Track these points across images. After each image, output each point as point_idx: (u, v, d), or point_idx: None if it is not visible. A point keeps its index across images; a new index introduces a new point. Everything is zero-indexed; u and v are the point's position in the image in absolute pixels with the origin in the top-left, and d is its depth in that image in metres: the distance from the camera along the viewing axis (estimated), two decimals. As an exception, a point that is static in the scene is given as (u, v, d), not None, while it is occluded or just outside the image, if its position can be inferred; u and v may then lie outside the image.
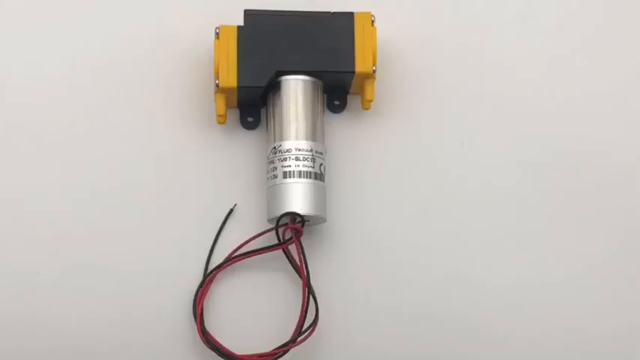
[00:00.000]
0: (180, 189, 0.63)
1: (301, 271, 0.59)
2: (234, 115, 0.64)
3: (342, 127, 0.64)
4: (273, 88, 0.62)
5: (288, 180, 0.60)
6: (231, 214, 0.63)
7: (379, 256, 0.63)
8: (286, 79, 0.61)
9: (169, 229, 0.62)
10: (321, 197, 0.60)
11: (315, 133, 0.61)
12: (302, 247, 0.59)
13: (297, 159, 0.60)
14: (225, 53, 0.60)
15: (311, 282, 0.58)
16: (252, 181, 0.63)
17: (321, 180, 0.61)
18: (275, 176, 0.61)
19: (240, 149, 0.64)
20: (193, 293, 0.60)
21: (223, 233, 0.62)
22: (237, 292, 0.61)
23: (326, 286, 0.61)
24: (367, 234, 0.63)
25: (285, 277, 0.61)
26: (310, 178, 0.60)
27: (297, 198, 0.59)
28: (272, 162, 0.61)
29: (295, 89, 0.61)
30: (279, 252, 0.60)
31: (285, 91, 0.61)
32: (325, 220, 0.61)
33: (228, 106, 0.62)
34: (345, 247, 0.62)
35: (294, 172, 0.60)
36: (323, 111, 0.63)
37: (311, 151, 0.61)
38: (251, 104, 0.63)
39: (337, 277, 0.62)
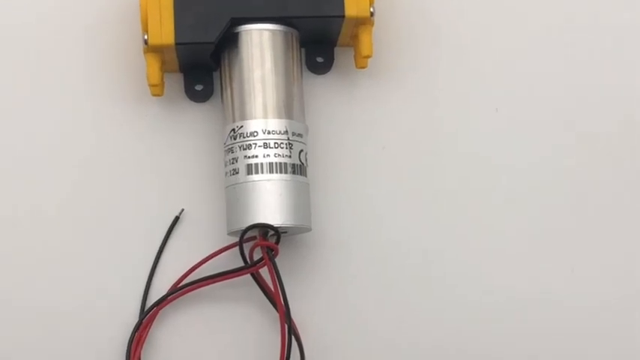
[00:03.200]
0: (104, 191, 0.50)
1: (278, 301, 0.46)
2: (176, 81, 0.51)
3: (329, 95, 0.51)
4: (228, 43, 0.48)
5: (254, 177, 0.46)
6: (177, 224, 0.49)
7: (384, 276, 0.50)
8: (246, 30, 0.48)
9: (91, 248, 0.49)
10: (302, 199, 0.47)
11: (292, 106, 0.48)
12: (277, 271, 0.46)
13: (266, 146, 0.46)
14: (155, -5, 0.47)
15: (292, 316, 0.46)
16: (205, 176, 0.50)
17: (301, 174, 0.47)
18: (236, 171, 0.47)
19: (186, 130, 0.51)
20: (127, 339, 0.47)
21: (167, 252, 0.49)
22: (188, 334, 0.49)
23: (313, 320, 0.49)
24: (367, 245, 0.50)
25: (255, 310, 0.49)
26: (286, 172, 0.47)
27: (269, 203, 0.46)
28: (231, 150, 0.47)
29: (260, 44, 0.48)
30: (247, 277, 0.47)
31: (245, 47, 0.48)
32: (310, 230, 0.48)
33: (166, 70, 0.49)
34: (338, 263, 0.50)
35: (262, 164, 0.46)
36: (301, 73, 0.50)
37: (286, 133, 0.47)
38: (199, 67, 0.50)
39: (328, 307, 0.49)
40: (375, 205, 0.50)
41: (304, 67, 0.51)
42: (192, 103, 0.50)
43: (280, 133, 0.46)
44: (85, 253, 0.48)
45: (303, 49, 0.50)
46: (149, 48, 0.46)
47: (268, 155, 0.46)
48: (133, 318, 0.47)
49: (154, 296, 0.48)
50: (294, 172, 0.46)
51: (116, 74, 0.50)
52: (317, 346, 0.48)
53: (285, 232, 0.47)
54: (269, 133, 0.46)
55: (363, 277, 0.49)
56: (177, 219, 0.49)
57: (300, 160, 0.47)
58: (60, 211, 0.49)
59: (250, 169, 0.46)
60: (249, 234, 0.46)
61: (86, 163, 0.49)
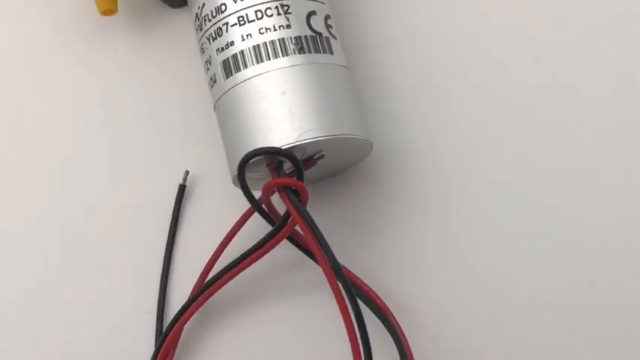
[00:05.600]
0: (73, 169, 0.34)
1: (329, 278, 0.28)
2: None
3: None
4: None
5: (236, 77, 0.28)
6: (185, 195, 0.32)
7: (502, 218, 0.31)
8: None
9: (74, 250, 0.33)
10: (336, 92, 0.28)
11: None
12: (315, 226, 0.28)
13: (242, 20, 0.28)
14: None
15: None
16: (209, 116, 0.31)
17: (324, 50, 0.28)
18: (213, 80, 0.29)
19: (169, 53, 0.34)
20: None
21: (180, 237, 0.32)
22: (233, 352, 0.31)
23: (410, 293, 0.31)
24: (473, 170, 0.31)
25: (311, 295, 0.31)
26: (286, 53, 0.28)
27: (267, 113, 0.27)
28: (202, 49, 0.30)
29: None
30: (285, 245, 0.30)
31: None
32: (371, 149, 0.30)
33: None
34: (430, 199, 0.31)
35: (243, 53, 0.28)
36: None
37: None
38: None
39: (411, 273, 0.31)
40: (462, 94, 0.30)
41: None
42: (169, 9, 0.33)
43: (263, -12, 0.28)
44: (64, 256, 0.32)
45: None
46: None
47: (249, 35, 0.27)
48: (147, 348, 0.30)
49: (174, 307, 0.31)
50: (302, 50, 0.27)
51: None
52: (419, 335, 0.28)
53: (322, 157, 0.27)
54: (242, -1, 0.28)
55: (471, 219, 0.30)
56: (183, 188, 0.32)
57: (313, 29, 0.27)
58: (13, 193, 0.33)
59: (228, 68, 0.28)
60: (254, 173, 0.27)
61: (39, 126, 0.33)
